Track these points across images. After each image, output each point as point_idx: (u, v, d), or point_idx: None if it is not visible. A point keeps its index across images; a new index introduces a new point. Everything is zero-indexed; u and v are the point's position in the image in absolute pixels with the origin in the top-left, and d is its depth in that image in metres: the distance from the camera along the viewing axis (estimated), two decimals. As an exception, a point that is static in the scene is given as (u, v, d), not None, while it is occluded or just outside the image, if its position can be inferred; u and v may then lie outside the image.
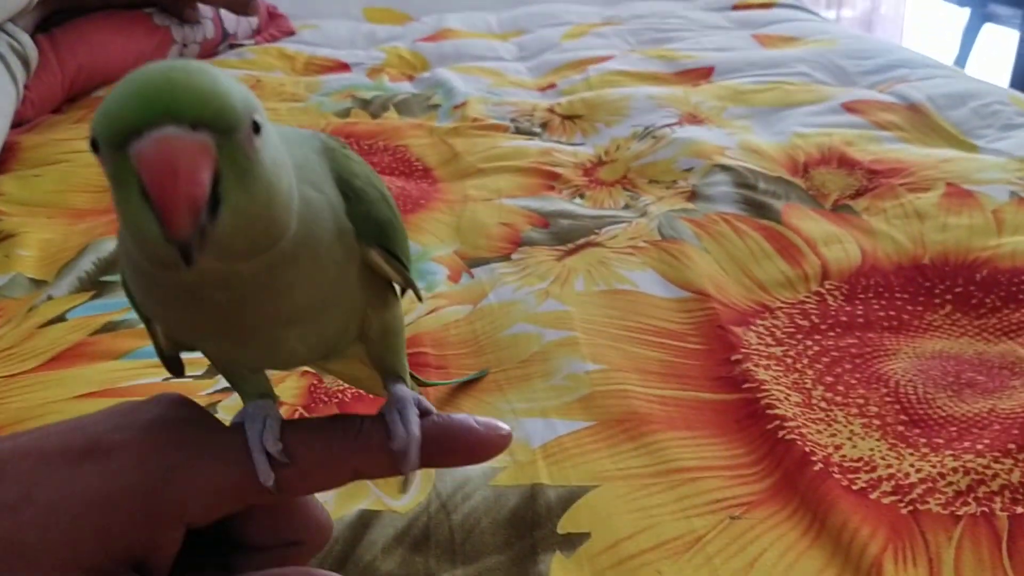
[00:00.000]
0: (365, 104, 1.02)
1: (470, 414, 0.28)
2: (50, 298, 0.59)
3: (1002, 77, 2.13)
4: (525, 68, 1.21)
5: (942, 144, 0.80)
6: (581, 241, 0.66)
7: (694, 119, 0.89)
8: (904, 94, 0.90)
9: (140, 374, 0.51)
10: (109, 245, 0.65)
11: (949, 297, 0.56)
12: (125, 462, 0.27)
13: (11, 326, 0.56)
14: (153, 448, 0.27)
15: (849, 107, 0.87)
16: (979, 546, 0.37)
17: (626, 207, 0.73)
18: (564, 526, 0.40)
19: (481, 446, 0.28)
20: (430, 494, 0.42)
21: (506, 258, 0.65)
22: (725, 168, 0.75)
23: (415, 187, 0.78)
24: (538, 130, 0.92)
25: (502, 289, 0.60)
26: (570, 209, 0.72)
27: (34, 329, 0.55)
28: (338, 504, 0.41)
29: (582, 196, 0.76)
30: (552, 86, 1.09)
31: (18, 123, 0.91)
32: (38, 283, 0.62)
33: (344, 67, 1.23)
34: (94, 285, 0.61)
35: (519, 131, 0.92)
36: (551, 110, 0.97)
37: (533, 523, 0.40)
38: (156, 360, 0.52)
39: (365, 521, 0.40)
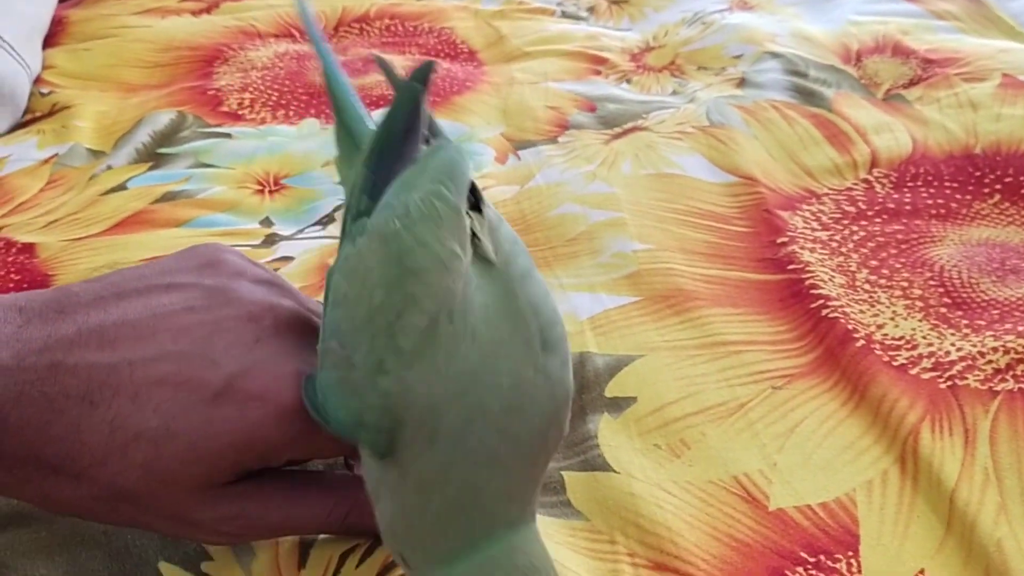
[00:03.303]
0: (408, -15, 1.00)
1: None
2: (110, 168, 0.60)
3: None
4: (570, -48, 1.18)
5: (999, 35, 0.78)
6: (628, 125, 0.66)
7: (745, 5, 0.87)
8: (963, -17, 0.87)
9: (201, 242, 0.53)
10: (164, 118, 0.66)
11: (999, 187, 0.56)
12: (261, 418, 0.30)
13: (74, 193, 0.58)
14: (290, 414, 0.30)
15: (906, -4, 0.85)
16: (1015, 418, 0.39)
17: (674, 93, 0.72)
18: (611, 390, 0.42)
19: None
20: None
21: (553, 141, 0.65)
22: (776, 55, 0.74)
23: (460, 69, 0.78)
24: (584, 14, 0.91)
25: (549, 171, 0.61)
26: (617, 94, 0.72)
27: (96, 196, 0.57)
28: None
29: (629, 81, 0.75)
30: (598, -30, 1.06)
31: (63, -2, 0.91)
32: (96, 153, 0.63)
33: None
34: (151, 156, 0.62)
35: (565, 15, 0.91)
36: (598, -6, 0.95)
37: (582, 387, 0.42)
38: (216, 229, 0.54)
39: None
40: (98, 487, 0.29)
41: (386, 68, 0.36)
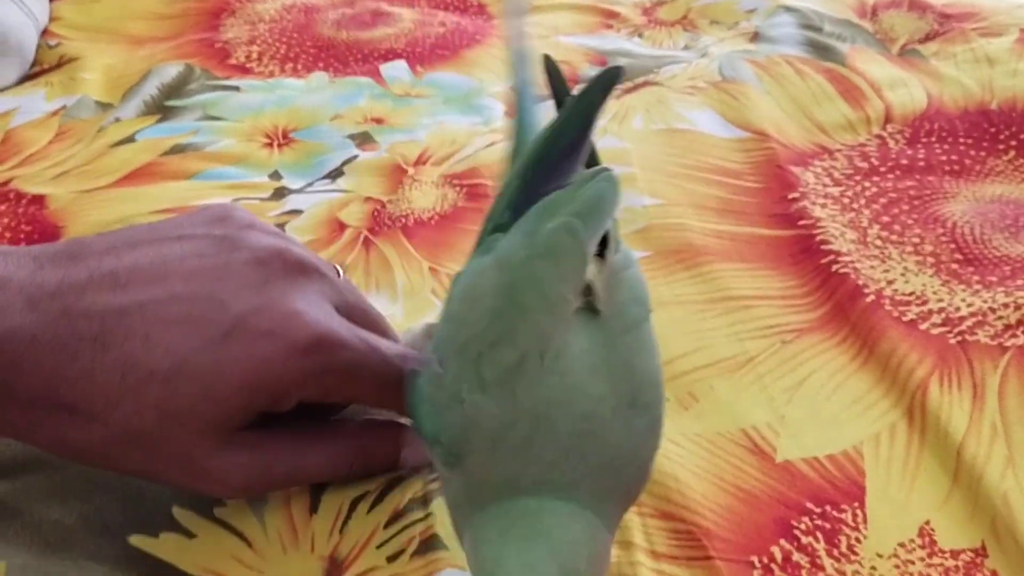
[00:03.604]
0: (417, -62, 0.99)
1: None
2: (118, 120, 0.60)
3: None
4: (581, -96, 1.16)
5: (1018, -9, 0.77)
6: (640, 80, 0.66)
7: (759, -41, 0.85)
8: (983, -63, 0.85)
9: (210, 195, 0.53)
10: (172, 70, 0.66)
11: (1014, 143, 0.56)
12: (271, 354, 0.30)
13: (82, 145, 0.58)
14: (299, 350, 0.30)
15: (923, -50, 0.83)
16: (1024, 374, 0.39)
17: (686, 48, 0.72)
18: (621, 344, 0.42)
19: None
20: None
21: (563, 95, 0.65)
22: (790, 9, 0.73)
23: (470, 23, 0.77)
24: (596, -32, 0.90)
25: (559, 125, 0.60)
26: (629, 48, 0.71)
27: (105, 148, 0.57)
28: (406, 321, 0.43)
29: (640, 36, 0.74)
30: (610, -77, 1.05)
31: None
32: (104, 106, 0.63)
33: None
34: (159, 109, 0.62)
35: (576, -32, 0.89)
36: (609, -52, 0.93)
37: (591, 340, 0.42)
38: (225, 182, 0.54)
39: (430, 333, 0.43)
40: (111, 429, 0.29)
41: (554, 73, 0.34)
